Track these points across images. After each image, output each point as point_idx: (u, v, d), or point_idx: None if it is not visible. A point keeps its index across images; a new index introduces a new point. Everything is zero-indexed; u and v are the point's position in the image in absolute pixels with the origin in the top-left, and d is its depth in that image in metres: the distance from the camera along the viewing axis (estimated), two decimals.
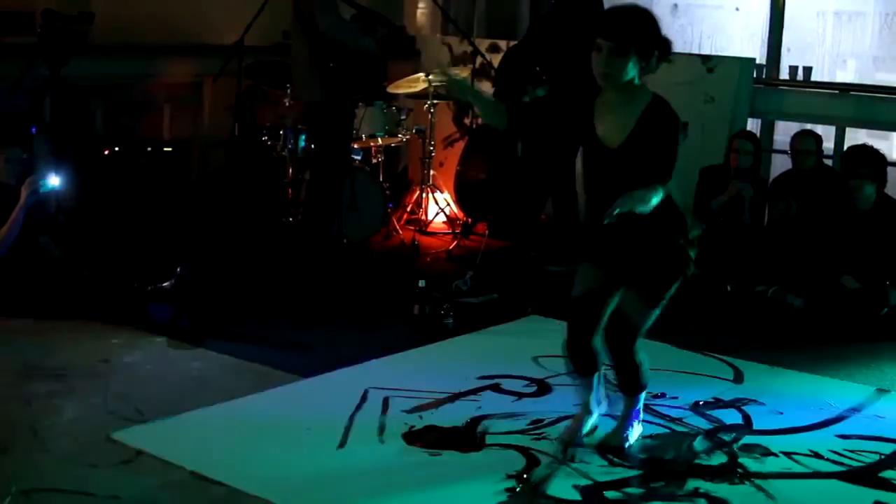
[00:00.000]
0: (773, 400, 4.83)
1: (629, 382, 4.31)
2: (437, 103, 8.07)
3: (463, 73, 8.12)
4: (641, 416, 4.40)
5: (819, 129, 7.69)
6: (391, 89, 8.02)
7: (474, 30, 9.13)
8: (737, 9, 11.26)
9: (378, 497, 3.76)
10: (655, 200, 3.78)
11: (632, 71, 3.85)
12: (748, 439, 4.39)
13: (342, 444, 4.16)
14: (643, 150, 3.86)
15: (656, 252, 4.04)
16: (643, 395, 4.38)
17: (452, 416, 4.49)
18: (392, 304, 6.07)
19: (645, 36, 3.85)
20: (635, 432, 4.33)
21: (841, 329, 6.01)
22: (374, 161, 7.89)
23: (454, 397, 4.71)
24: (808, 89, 7.92)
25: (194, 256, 6.51)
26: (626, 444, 4.27)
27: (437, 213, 8.17)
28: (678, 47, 10.65)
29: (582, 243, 4.19)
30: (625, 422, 4.33)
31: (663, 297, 4.11)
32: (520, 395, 4.79)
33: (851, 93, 7.84)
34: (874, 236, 6.31)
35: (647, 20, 3.88)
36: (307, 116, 6.97)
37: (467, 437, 4.28)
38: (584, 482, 3.91)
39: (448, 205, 8.20)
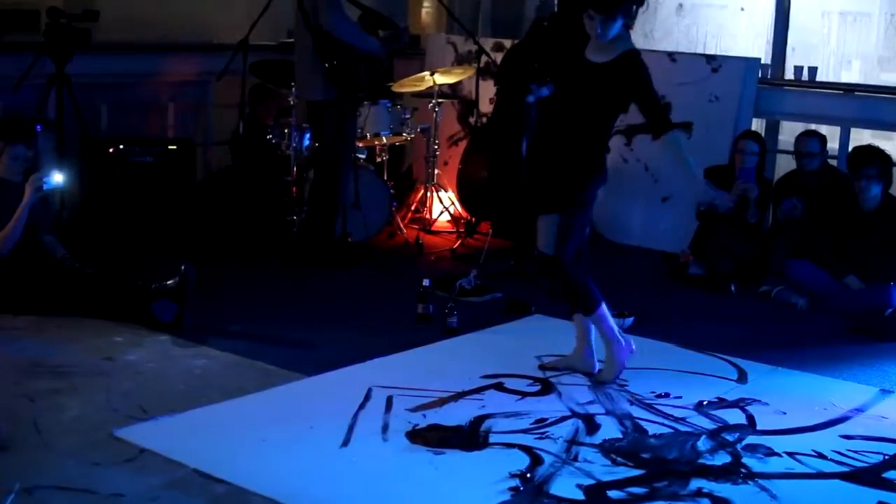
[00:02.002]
0: (776, 400, 4.83)
1: (581, 299, 4.87)
2: (441, 102, 8.07)
3: (467, 72, 8.12)
4: (622, 338, 4.93)
5: (824, 129, 7.69)
6: (396, 88, 8.03)
7: (479, 29, 9.13)
8: (742, 9, 11.25)
9: (381, 495, 3.76)
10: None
11: (618, 29, 4.65)
12: (752, 439, 4.38)
13: (345, 443, 4.16)
14: (624, 81, 4.67)
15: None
16: (606, 312, 4.87)
17: (456, 414, 4.49)
18: (396, 303, 6.07)
19: (628, 3, 4.63)
20: (622, 357, 4.90)
21: (845, 329, 6.01)
22: (379, 160, 7.90)
23: (458, 396, 4.71)
24: (812, 89, 7.91)
25: (198, 255, 6.51)
26: (618, 371, 4.91)
27: (442, 212, 8.17)
28: (683, 47, 10.66)
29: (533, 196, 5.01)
30: (612, 354, 4.87)
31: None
32: (523, 394, 4.79)
33: (856, 93, 7.83)
34: (879, 237, 6.31)
35: None
36: (311, 115, 6.98)
37: (471, 436, 4.28)
38: (587, 481, 3.91)
39: (452, 203, 8.20)
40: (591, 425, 4.45)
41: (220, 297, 6.02)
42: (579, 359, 5.05)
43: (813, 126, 7.53)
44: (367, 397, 4.62)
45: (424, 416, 4.46)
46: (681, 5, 11.27)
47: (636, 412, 4.61)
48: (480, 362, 5.13)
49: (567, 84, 4.84)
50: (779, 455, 4.23)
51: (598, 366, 5.04)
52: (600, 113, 4.80)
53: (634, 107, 4.81)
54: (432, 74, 7.90)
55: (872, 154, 6.37)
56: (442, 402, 4.63)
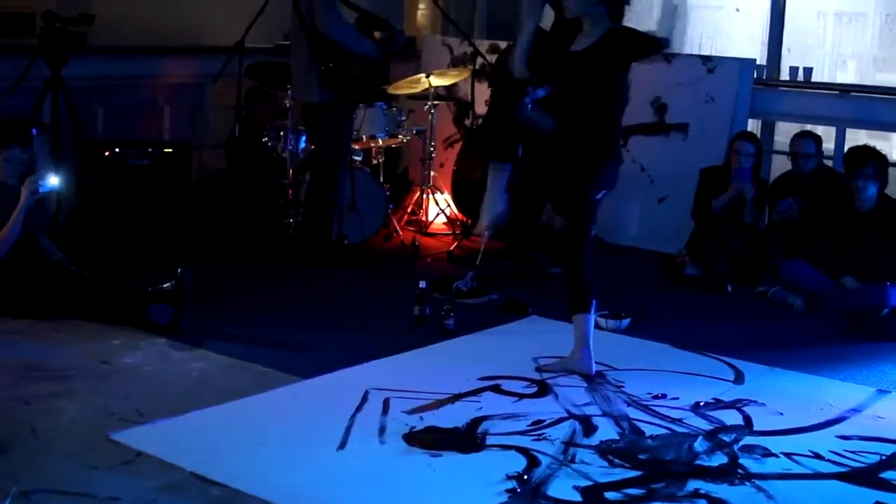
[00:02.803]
0: (773, 400, 4.83)
1: (581, 296, 4.94)
2: (437, 104, 8.07)
3: (462, 74, 8.13)
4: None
5: (819, 129, 7.70)
6: (392, 90, 8.03)
7: (474, 31, 9.13)
8: (737, 9, 11.28)
9: (378, 498, 3.76)
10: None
11: (583, 5, 4.73)
12: (748, 440, 4.38)
13: (342, 445, 4.16)
14: (607, 55, 4.71)
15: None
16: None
17: (453, 416, 4.49)
18: (392, 305, 6.07)
19: None
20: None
21: (841, 330, 6.01)
22: (375, 162, 7.90)
23: (454, 398, 4.71)
24: (808, 90, 7.92)
25: (195, 257, 6.51)
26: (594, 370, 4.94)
27: (438, 214, 8.17)
28: (678, 48, 10.68)
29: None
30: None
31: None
32: (520, 396, 4.79)
33: (852, 93, 7.84)
34: (874, 237, 6.31)
35: None
36: (307, 117, 6.98)
37: (467, 438, 4.28)
38: (584, 483, 3.91)
39: (448, 206, 8.20)
40: (588, 427, 4.45)
41: (217, 299, 6.02)
42: (576, 360, 5.05)
43: (808, 126, 7.53)
44: (364, 399, 4.62)
45: (421, 418, 4.46)
46: (676, 7, 11.28)
47: (633, 413, 4.61)
48: (477, 364, 5.13)
49: (557, 80, 4.86)
50: (776, 456, 4.24)
51: (595, 367, 5.04)
52: (593, 100, 4.81)
53: (631, 108, 4.82)
54: (428, 76, 7.90)
55: (868, 154, 6.37)
56: (439, 404, 4.63)
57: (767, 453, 4.25)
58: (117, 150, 7.14)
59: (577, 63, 4.79)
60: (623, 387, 4.93)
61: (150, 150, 7.31)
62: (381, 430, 4.31)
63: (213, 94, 8.01)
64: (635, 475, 4.01)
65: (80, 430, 4.20)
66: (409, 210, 8.25)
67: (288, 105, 7.40)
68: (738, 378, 5.16)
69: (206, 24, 8.09)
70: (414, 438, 4.24)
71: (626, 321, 5.84)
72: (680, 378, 5.12)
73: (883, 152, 6.49)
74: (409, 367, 5.11)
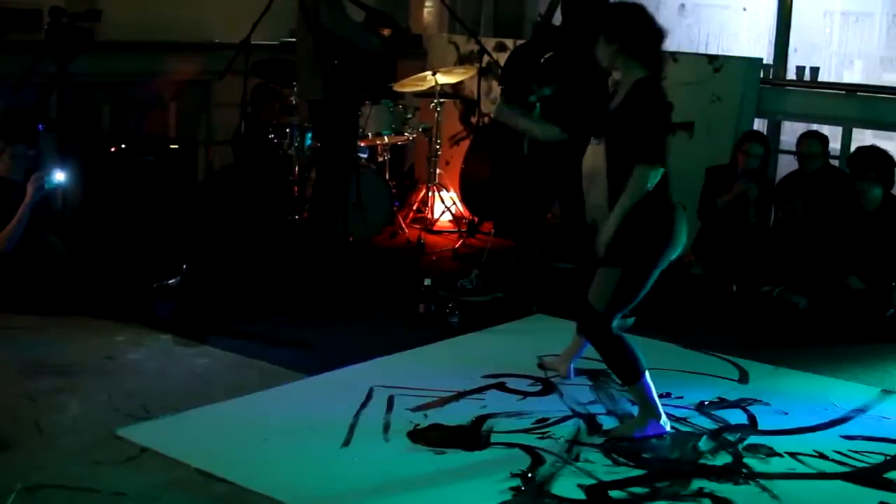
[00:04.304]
0: (777, 400, 4.83)
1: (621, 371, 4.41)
2: (443, 102, 8.07)
3: (469, 72, 8.13)
4: (661, 413, 4.39)
5: (825, 129, 7.69)
6: (398, 88, 8.03)
7: (481, 28, 9.13)
8: (744, 9, 11.25)
9: (382, 495, 3.76)
10: (643, 185, 4.16)
11: (609, 55, 4.27)
12: (753, 439, 4.39)
13: (347, 443, 4.17)
14: (626, 122, 4.21)
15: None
16: (647, 384, 4.35)
17: (457, 414, 4.49)
18: (397, 303, 6.07)
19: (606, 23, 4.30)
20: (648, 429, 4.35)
21: (846, 330, 6.00)
22: (381, 159, 7.90)
23: (459, 396, 4.71)
24: (814, 90, 7.91)
25: (200, 254, 6.51)
26: (635, 435, 4.34)
27: (443, 212, 8.17)
28: (685, 47, 10.65)
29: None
30: (642, 418, 4.39)
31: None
32: (525, 394, 4.79)
33: (858, 93, 7.82)
34: (880, 237, 6.31)
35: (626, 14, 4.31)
36: (313, 114, 6.97)
37: (472, 436, 4.28)
38: (588, 481, 3.91)
39: (454, 203, 8.20)
40: (593, 425, 4.45)
41: (222, 296, 6.02)
42: (563, 362, 5.05)
43: (815, 126, 7.53)
44: (369, 397, 4.63)
45: (426, 415, 4.47)
46: (683, 5, 11.27)
47: (638, 412, 4.60)
48: (482, 362, 5.13)
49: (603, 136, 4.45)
50: (780, 455, 4.24)
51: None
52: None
53: None
54: (434, 74, 7.90)
55: (874, 155, 6.36)
56: (443, 401, 4.63)
57: (772, 453, 4.25)
58: (123, 146, 7.14)
59: (611, 121, 4.32)
60: None
61: (156, 146, 7.31)
62: (386, 428, 4.32)
63: (218, 90, 8.01)
64: (639, 474, 4.01)
65: (85, 426, 4.21)
66: (414, 207, 8.26)
67: (294, 102, 7.41)
68: (743, 377, 5.16)
69: (213, 21, 8.10)
70: (418, 436, 4.24)
71: (631, 320, 5.83)
72: (684, 377, 5.12)
73: (889, 152, 6.48)
74: (413, 365, 5.11)
